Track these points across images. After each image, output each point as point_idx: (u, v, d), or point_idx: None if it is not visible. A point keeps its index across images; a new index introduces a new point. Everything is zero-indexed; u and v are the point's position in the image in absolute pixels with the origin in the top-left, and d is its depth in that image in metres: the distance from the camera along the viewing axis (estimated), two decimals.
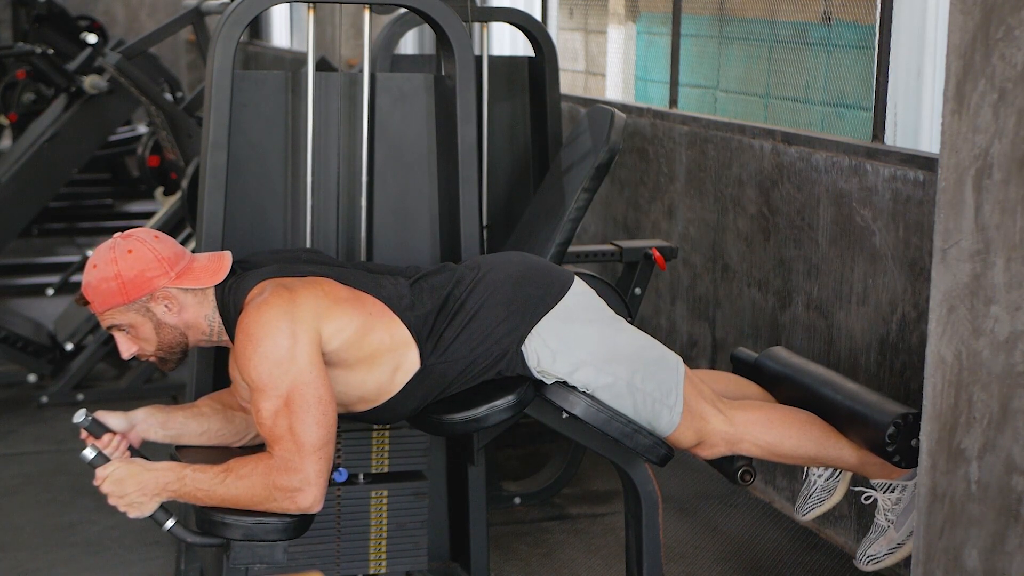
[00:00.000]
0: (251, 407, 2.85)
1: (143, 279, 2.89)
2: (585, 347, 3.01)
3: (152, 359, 2.99)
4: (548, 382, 3.02)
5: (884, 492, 3.22)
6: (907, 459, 3.10)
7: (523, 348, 2.99)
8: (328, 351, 2.88)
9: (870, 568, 3.25)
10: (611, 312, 3.14)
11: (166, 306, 2.92)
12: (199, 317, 2.96)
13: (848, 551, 4.10)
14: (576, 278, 3.14)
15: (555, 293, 3.05)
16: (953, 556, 2.81)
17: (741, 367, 3.57)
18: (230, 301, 2.94)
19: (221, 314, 2.96)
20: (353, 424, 3.19)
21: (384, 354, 2.96)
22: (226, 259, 3.00)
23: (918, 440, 2.99)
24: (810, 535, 4.25)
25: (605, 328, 3.06)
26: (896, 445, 3.09)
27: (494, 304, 3.01)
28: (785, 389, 3.38)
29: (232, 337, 2.92)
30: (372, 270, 3.12)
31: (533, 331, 2.99)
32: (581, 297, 3.09)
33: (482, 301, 3.01)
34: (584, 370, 2.99)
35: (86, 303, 2.95)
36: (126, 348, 2.97)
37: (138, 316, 2.92)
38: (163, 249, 2.93)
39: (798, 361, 3.44)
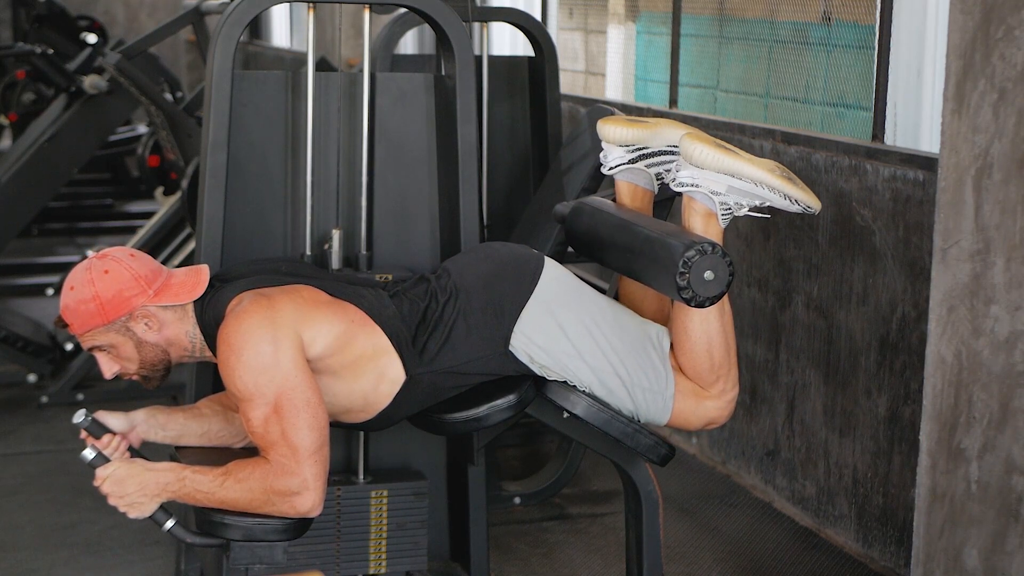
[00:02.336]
0: (241, 417, 2.85)
1: (121, 299, 2.87)
2: (569, 338, 2.97)
3: (135, 377, 2.99)
4: (550, 377, 3.00)
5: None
6: (697, 293, 2.81)
7: (512, 349, 2.98)
8: (310, 357, 2.86)
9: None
10: (587, 289, 3.08)
11: (146, 324, 2.91)
12: (180, 333, 2.95)
13: (848, 551, 4.10)
14: (546, 259, 3.08)
15: (527, 285, 3.00)
16: (953, 556, 2.81)
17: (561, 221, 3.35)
18: (210, 315, 2.93)
19: (202, 329, 2.95)
20: None
21: (367, 362, 2.94)
22: (203, 273, 2.99)
23: (713, 273, 2.78)
24: (810, 535, 4.25)
25: (584, 315, 3.01)
26: (690, 274, 2.80)
27: (470, 311, 2.99)
28: (595, 251, 3.17)
29: (214, 351, 2.91)
30: (352, 281, 3.11)
31: (515, 330, 2.97)
32: (554, 282, 3.03)
33: (458, 310, 2.99)
34: (575, 362, 2.97)
35: (65, 326, 2.94)
36: (108, 368, 2.96)
37: (118, 336, 2.91)
38: (139, 267, 2.92)
39: (596, 216, 3.17)
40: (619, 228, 3.04)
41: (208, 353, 2.97)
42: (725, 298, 2.91)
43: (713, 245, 2.81)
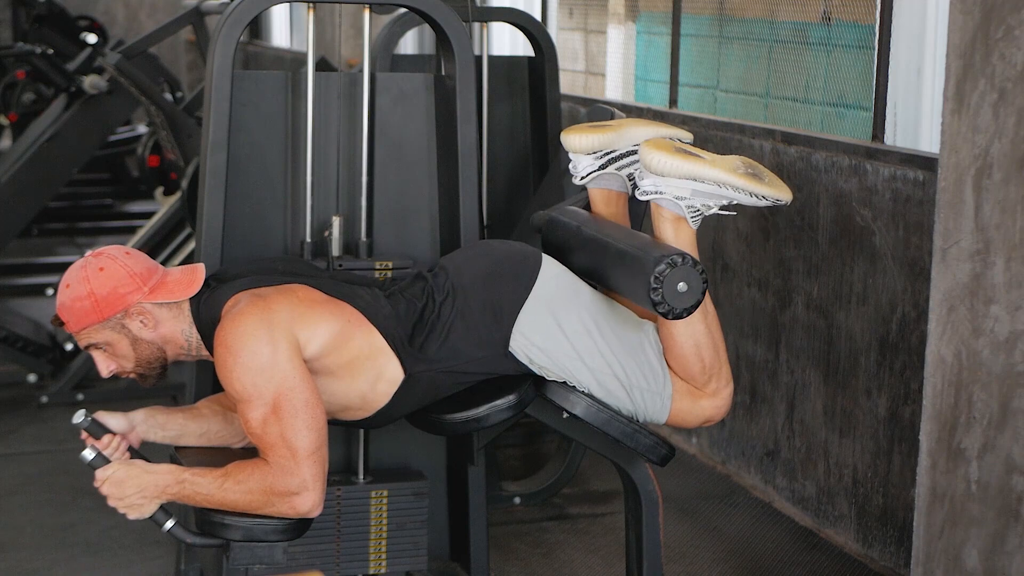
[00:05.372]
0: (239, 418, 2.84)
1: (116, 296, 2.88)
2: (568, 339, 2.97)
3: (132, 375, 2.99)
4: (549, 377, 3.00)
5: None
6: (673, 306, 2.80)
7: (512, 350, 2.97)
8: (307, 356, 2.86)
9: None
10: (584, 287, 3.06)
11: (141, 322, 2.91)
12: (175, 331, 2.95)
13: (848, 551, 4.10)
14: (544, 256, 3.08)
15: (525, 283, 2.99)
16: (953, 556, 2.81)
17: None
18: (206, 315, 2.93)
19: (198, 328, 2.95)
20: None
21: (364, 362, 2.94)
22: (199, 272, 2.99)
23: (686, 284, 2.77)
24: (810, 535, 4.25)
25: (583, 314, 3.00)
26: (663, 288, 2.79)
27: (468, 311, 2.98)
28: (571, 264, 3.15)
29: (211, 351, 2.91)
30: (349, 281, 3.11)
31: (515, 331, 2.97)
32: (552, 280, 3.03)
33: (456, 310, 2.98)
34: (574, 363, 2.97)
35: (61, 324, 2.94)
36: (104, 366, 2.96)
37: (114, 333, 2.91)
38: (135, 265, 2.92)
39: (568, 230, 3.17)
40: (590, 243, 3.04)
41: (205, 352, 2.97)
42: (707, 299, 2.91)
43: (683, 256, 2.78)
